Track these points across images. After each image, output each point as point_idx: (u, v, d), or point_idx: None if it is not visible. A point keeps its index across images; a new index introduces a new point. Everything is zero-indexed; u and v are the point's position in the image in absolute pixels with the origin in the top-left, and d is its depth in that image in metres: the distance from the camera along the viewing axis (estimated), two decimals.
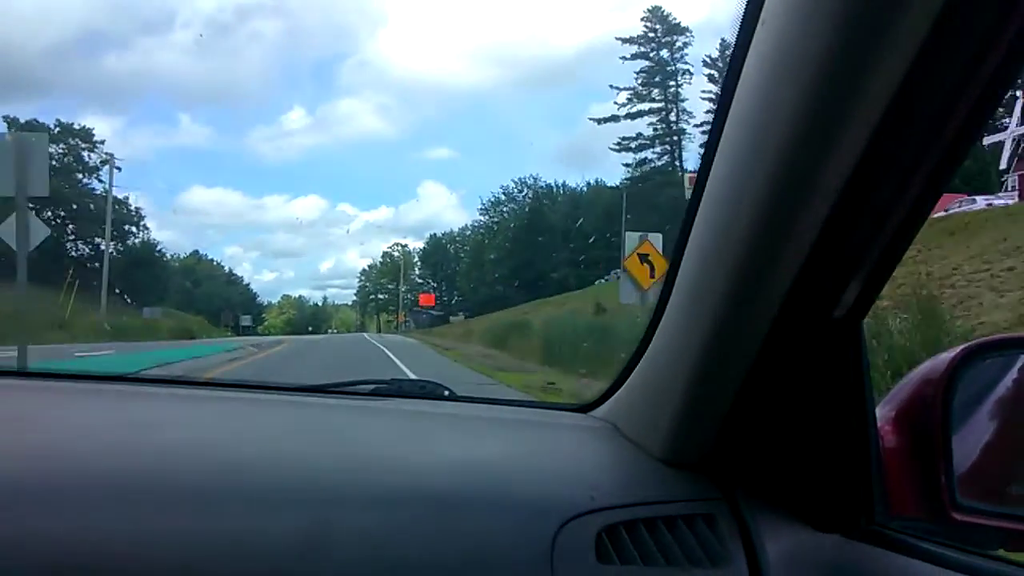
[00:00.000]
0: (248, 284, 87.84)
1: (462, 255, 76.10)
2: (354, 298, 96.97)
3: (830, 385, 0.77)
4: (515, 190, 67.91)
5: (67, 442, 0.81)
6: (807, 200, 0.63)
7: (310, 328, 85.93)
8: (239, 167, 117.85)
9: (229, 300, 71.51)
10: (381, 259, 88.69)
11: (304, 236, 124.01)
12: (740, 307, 0.72)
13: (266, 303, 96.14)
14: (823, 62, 0.55)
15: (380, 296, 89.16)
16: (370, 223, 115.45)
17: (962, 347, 0.80)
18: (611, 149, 58.06)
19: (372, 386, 1.19)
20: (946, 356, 0.80)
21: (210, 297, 69.13)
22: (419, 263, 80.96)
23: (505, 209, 68.12)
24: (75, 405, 0.99)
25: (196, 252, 79.55)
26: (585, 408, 1.11)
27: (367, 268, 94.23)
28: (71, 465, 0.74)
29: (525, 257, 57.93)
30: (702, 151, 0.73)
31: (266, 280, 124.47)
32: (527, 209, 63.54)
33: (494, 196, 69.42)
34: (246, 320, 66.55)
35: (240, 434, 0.90)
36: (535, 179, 67.37)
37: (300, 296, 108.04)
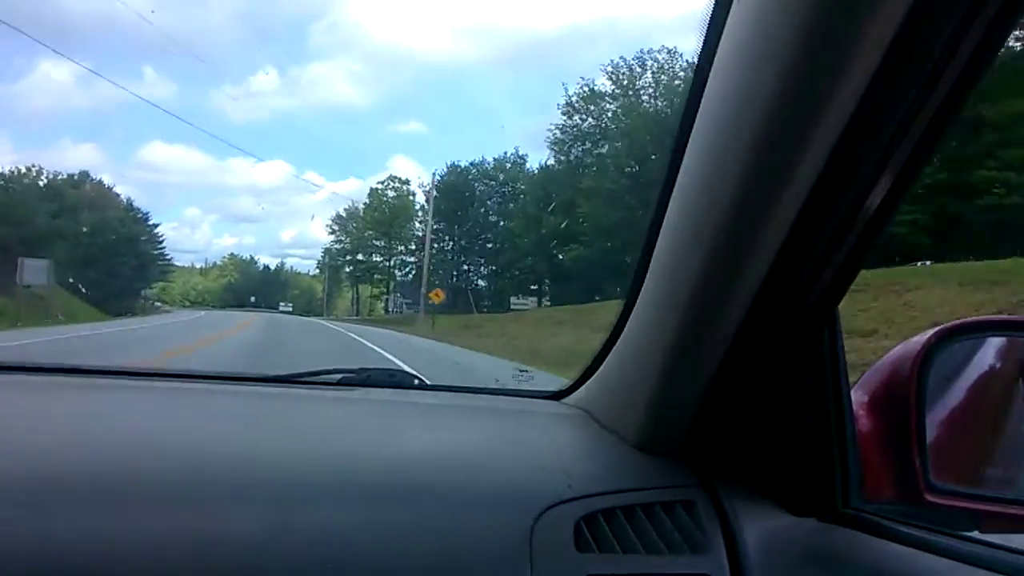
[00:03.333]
0: (155, 225, 50.88)
1: (498, 197, 47.40)
2: (319, 259, 66.03)
3: (806, 371, 0.76)
4: (624, 78, 38.05)
5: (24, 437, 0.77)
6: (781, 189, 0.62)
7: (253, 299, 60.98)
8: (203, 126, 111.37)
9: (31, 238, 27.64)
10: (367, 202, 54.62)
11: (268, 202, 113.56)
12: (715, 294, 0.72)
13: (199, 264, 71.52)
14: (800, 45, 0.54)
15: (360, 259, 55.86)
16: (337, 194, 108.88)
17: (933, 331, 0.81)
18: None
19: (340, 375, 1.17)
20: (918, 340, 0.80)
21: None
22: (422, 209, 49.88)
23: (610, 108, 39.14)
24: (26, 399, 0.94)
25: (86, 173, 46.25)
26: (557, 396, 1.10)
27: (342, 213, 57.55)
28: (25, 463, 0.71)
29: None
30: (675, 134, 0.71)
31: (225, 244, 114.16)
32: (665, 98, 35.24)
33: (585, 87, 39.44)
34: (39, 273, 25.06)
35: (202, 427, 0.88)
36: (671, 52, 36.83)
37: (251, 257, 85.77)
